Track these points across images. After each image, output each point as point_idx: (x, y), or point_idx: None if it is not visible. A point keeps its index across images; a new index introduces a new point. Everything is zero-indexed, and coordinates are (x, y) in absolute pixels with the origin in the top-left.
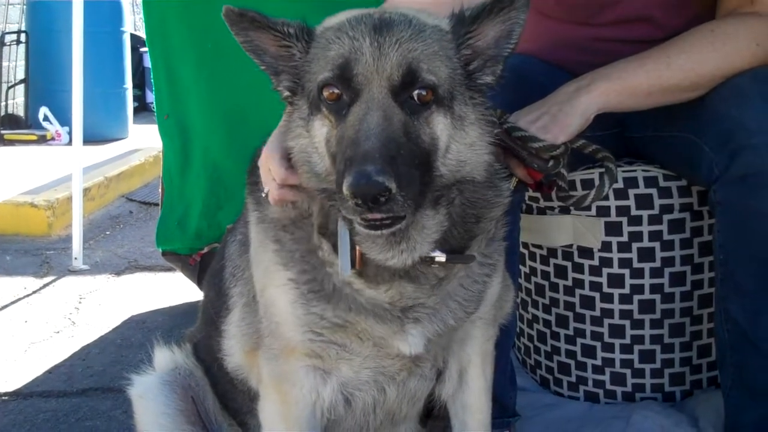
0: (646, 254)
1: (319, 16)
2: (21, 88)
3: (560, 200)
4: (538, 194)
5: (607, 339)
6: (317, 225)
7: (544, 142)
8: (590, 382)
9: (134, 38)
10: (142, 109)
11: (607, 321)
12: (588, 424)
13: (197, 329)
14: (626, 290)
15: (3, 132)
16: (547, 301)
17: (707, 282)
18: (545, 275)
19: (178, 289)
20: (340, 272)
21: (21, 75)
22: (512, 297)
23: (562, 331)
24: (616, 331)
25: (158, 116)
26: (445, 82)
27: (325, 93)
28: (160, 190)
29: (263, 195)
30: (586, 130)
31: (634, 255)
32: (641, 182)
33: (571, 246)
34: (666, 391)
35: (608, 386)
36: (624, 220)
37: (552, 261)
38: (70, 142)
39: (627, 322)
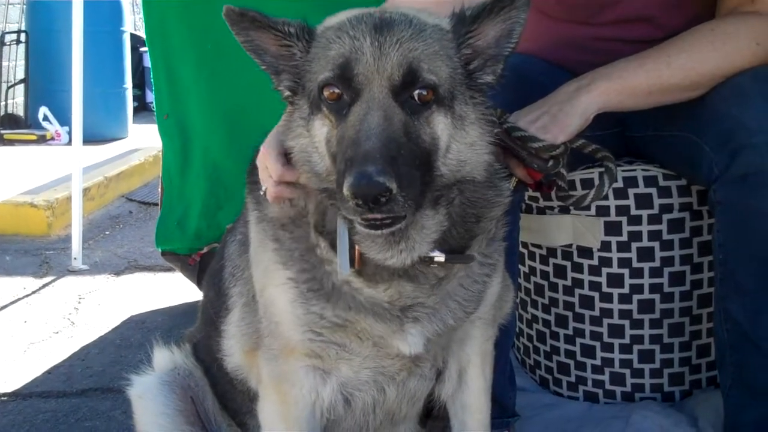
0: (646, 254)
1: (320, 16)
2: (21, 87)
3: (560, 200)
4: (537, 194)
5: (606, 339)
6: (313, 223)
7: (544, 142)
8: (589, 382)
9: (134, 38)
10: (141, 108)
11: (606, 321)
12: (587, 424)
13: (197, 329)
14: (625, 290)
15: (3, 132)
16: (546, 301)
17: (707, 282)
18: (545, 275)
19: (177, 289)
20: (338, 271)
21: (21, 75)
22: (512, 297)
23: (562, 331)
24: (616, 331)
25: (158, 116)
26: (445, 82)
27: (326, 93)
28: (159, 190)
29: (261, 193)
30: (586, 130)
31: (633, 255)
32: (641, 182)
33: (570, 246)
34: (665, 391)
35: (607, 386)
36: (623, 219)
37: (551, 261)
38: (69, 142)
39: (626, 322)
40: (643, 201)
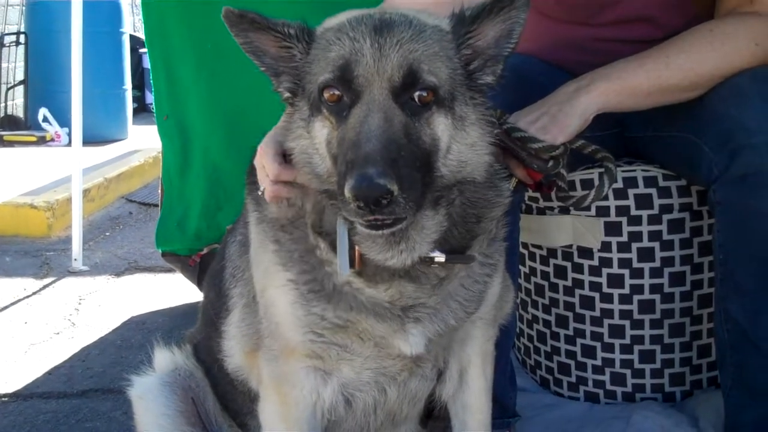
0: (646, 254)
1: (320, 17)
2: (20, 89)
3: (560, 200)
4: (537, 194)
5: (607, 339)
6: (311, 223)
7: (544, 142)
8: (590, 383)
9: (133, 39)
10: (141, 109)
11: (606, 321)
12: (588, 425)
13: (197, 330)
14: (626, 290)
15: (2, 133)
16: (546, 302)
17: (707, 282)
18: (545, 275)
19: (177, 290)
20: (338, 272)
21: (20, 76)
22: (512, 297)
23: (562, 332)
24: (616, 332)
25: (158, 117)
26: (445, 83)
27: (326, 94)
28: (159, 191)
29: (260, 193)
30: (586, 130)
31: (633, 255)
32: (641, 182)
33: (570, 246)
34: (666, 392)
35: (608, 386)
36: (623, 220)
37: (552, 261)
38: (69, 143)
39: (627, 323)
40: (643, 201)
